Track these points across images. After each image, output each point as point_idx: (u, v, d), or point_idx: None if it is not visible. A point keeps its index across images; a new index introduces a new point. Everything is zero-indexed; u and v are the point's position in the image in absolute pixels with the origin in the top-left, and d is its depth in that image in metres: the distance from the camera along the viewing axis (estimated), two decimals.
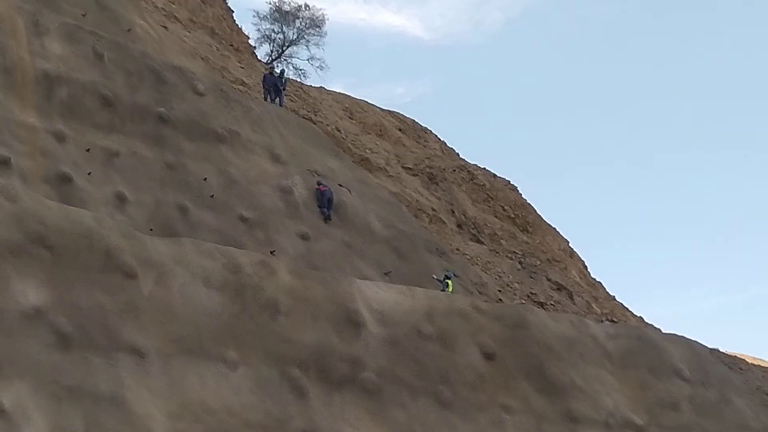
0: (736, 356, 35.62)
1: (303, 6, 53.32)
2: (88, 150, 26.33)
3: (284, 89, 36.72)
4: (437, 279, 30.45)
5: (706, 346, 30.52)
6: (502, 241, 40.33)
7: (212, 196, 28.03)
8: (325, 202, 30.45)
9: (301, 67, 52.45)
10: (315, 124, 37.10)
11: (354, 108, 44.34)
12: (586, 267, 46.19)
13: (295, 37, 52.88)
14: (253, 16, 56.52)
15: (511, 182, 46.36)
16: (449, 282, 30.33)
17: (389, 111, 47.09)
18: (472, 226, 39.78)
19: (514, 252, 39.98)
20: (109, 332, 20.21)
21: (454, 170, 43.30)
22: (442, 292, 28.01)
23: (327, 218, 30.33)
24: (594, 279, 45.52)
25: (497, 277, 36.23)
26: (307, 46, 53.08)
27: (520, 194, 46.02)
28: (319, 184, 30.82)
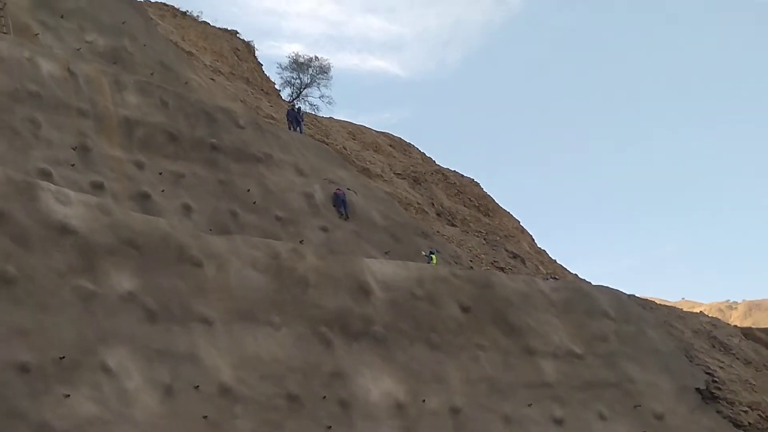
0: (647, 299, 35.60)
1: (314, 58, 53.23)
2: (160, 173, 26.31)
3: (302, 121, 36.63)
4: (425, 254, 30.43)
5: (625, 293, 30.55)
6: (470, 224, 40.28)
7: (254, 203, 28.01)
8: (339, 203, 30.43)
9: (314, 104, 52.26)
10: (327, 145, 37.02)
11: (356, 131, 44.24)
12: (533, 239, 46.12)
13: (309, 81, 52.66)
14: (277, 67, 56.32)
15: (475, 179, 46.27)
16: (433, 256, 30.32)
17: (382, 132, 46.94)
18: (448, 214, 39.73)
19: (480, 231, 39.94)
20: (184, 307, 20.25)
21: (432, 173, 43.21)
22: (428, 264, 28.02)
23: (345, 217, 30.20)
24: (540, 248, 45.45)
25: (468, 250, 36.20)
26: (318, 87, 52.86)
27: (482, 188, 45.92)
28: (337, 189, 30.83)
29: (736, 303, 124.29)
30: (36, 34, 28.38)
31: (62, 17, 29.92)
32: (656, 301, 38.76)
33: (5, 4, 28.03)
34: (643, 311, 30.13)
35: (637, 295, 32.74)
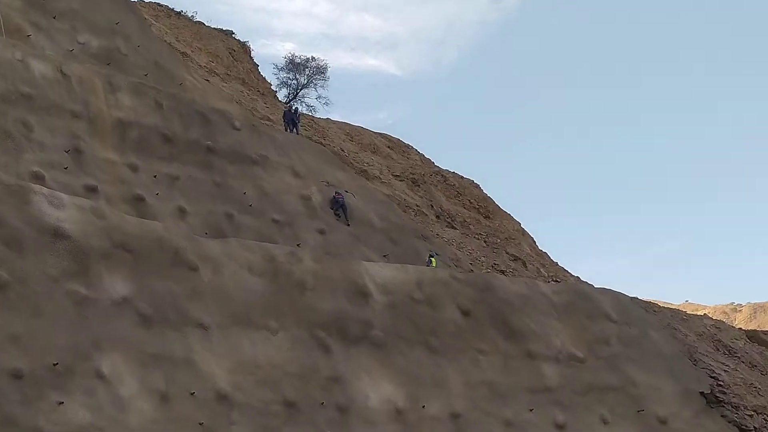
0: (650, 302, 35.61)
1: (310, 58, 53.25)
2: (155, 176, 26.30)
3: (299, 122, 36.61)
4: (427, 260, 30.30)
5: (627, 295, 30.49)
6: (470, 226, 40.25)
7: (250, 206, 28.00)
8: (338, 207, 30.39)
9: (311, 105, 52.31)
10: (324, 146, 37.01)
11: (353, 132, 44.22)
12: (534, 242, 46.05)
13: (305, 82, 52.71)
14: (274, 68, 56.39)
15: (475, 181, 46.24)
16: (433, 259, 30.27)
17: (380, 133, 46.92)
18: (447, 216, 39.71)
19: (480, 234, 39.91)
20: (179, 312, 20.25)
21: (431, 175, 43.18)
22: (428, 267, 27.99)
23: (346, 224, 30.15)
24: (541, 250, 45.38)
25: (468, 253, 36.17)
26: (315, 88, 52.87)
27: (482, 190, 45.87)
28: (336, 193, 30.81)
29: (740, 305, 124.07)
30: (28, 35, 28.38)
31: (54, 18, 29.92)
32: (659, 304, 38.79)
33: None
34: (645, 314, 30.10)
35: (639, 297, 32.73)
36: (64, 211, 19.82)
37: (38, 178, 23.00)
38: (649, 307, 32.28)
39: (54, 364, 17.56)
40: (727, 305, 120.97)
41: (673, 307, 49.17)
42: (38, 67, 25.71)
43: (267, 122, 36.61)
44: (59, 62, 26.65)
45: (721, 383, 28.83)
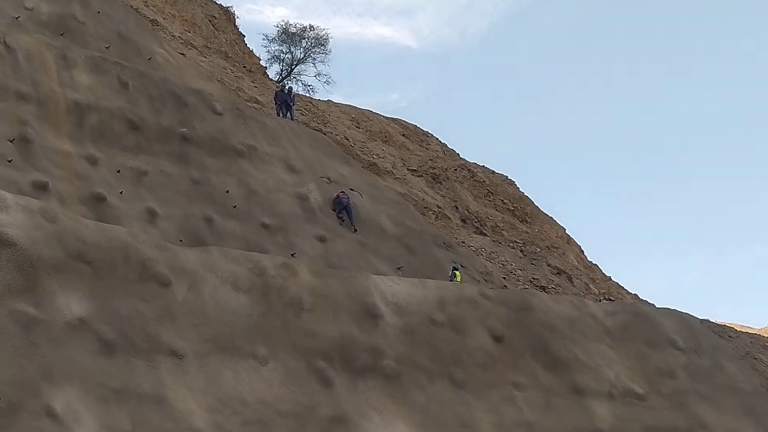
0: (725, 325, 35.55)
1: (308, 27, 53.49)
2: (118, 171, 26.40)
3: (294, 104, 36.76)
4: (449, 275, 30.36)
5: (697, 318, 30.47)
6: (503, 232, 40.32)
7: (235, 207, 28.08)
8: (342, 208, 30.48)
9: (309, 84, 52.55)
10: (325, 134, 37.13)
11: (360, 117, 44.37)
12: (582, 251, 46.14)
13: (302, 56, 52.98)
14: (263, 39, 56.52)
15: (509, 177, 46.37)
16: (457, 273, 30.32)
17: (393, 118, 47.10)
18: (475, 220, 39.78)
19: (515, 241, 39.97)
20: (148, 337, 20.28)
21: (456, 169, 43.30)
22: (452, 282, 28.02)
23: (353, 229, 30.27)
24: (590, 262, 45.48)
25: (501, 265, 36.22)
26: (313, 63, 53.21)
27: (518, 188, 46.02)
28: (340, 192, 30.88)
29: None
30: None
31: None
32: (735, 328, 38.67)
33: None
34: (719, 340, 30.04)
35: (712, 319, 32.67)
36: (7, 213, 19.89)
37: None
38: (723, 331, 32.22)
39: None
40: None
41: (754, 331, 49.00)
42: None
43: (255, 105, 36.73)
44: (2, 33, 26.78)
45: None
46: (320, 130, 37.72)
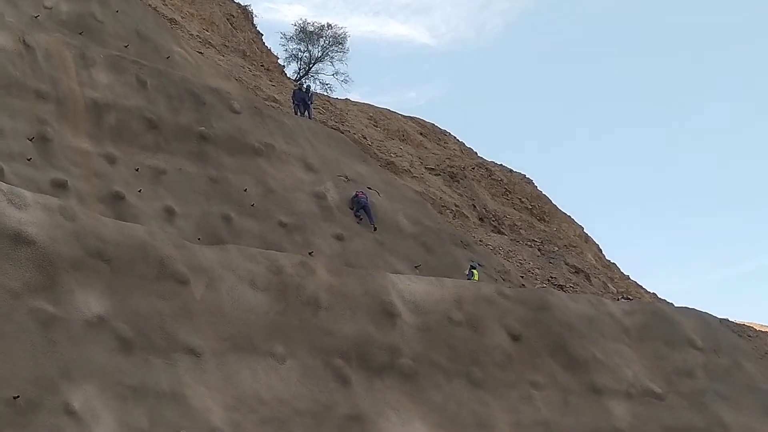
0: (744, 324, 35.30)
1: (326, 25, 53.52)
2: (137, 169, 26.46)
3: (311, 103, 36.76)
4: (466, 273, 30.33)
5: (716, 317, 30.33)
6: (521, 230, 40.23)
7: (253, 205, 28.11)
8: (359, 208, 30.47)
9: (326, 82, 52.58)
10: (342, 133, 37.12)
11: (378, 116, 44.34)
12: (600, 250, 46.01)
13: (320, 54, 52.97)
14: (281, 38, 56.67)
15: (527, 176, 46.25)
16: (475, 271, 30.29)
17: (410, 117, 47.03)
18: (493, 219, 39.70)
19: (533, 240, 39.87)
20: (166, 335, 20.32)
21: (473, 168, 43.22)
22: (469, 281, 27.98)
23: (373, 228, 30.28)
24: (609, 261, 45.33)
25: (519, 264, 36.14)
26: (331, 62, 53.21)
27: (536, 186, 45.91)
28: (358, 191, 30.88)
29: None
30: None
31: None
32: (755, 327, 38.45)
33: None
34: (738, 339, 29.88)
35: (731, 319, 32.49)
36: (26, 212, 19.96)
37: None
38: (743, 331, 32.03)
39: (14, 398, 17.69)
40: None
41: None
42: None
43: (273, 104, 36.74)
44: (21, 31, 26.86)
45: None
46: (338, 129, 37.72)
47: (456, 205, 38.30)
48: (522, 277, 34.62)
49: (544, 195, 45.59)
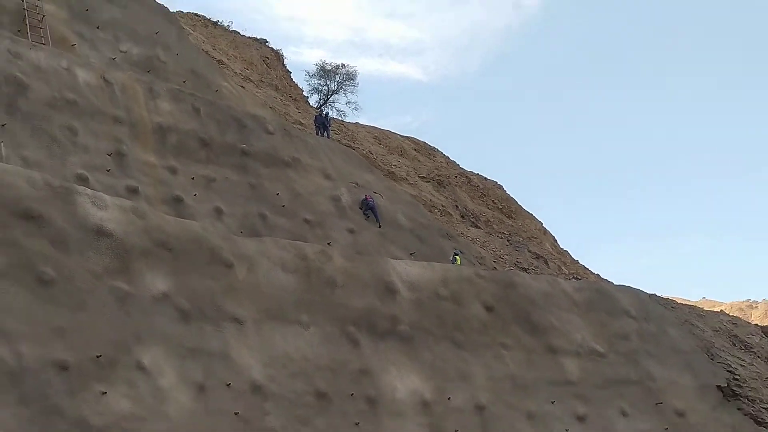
0: (668, 298, 35.28)
1: (340, 65, 53.30)
2: (192, 178, 26.45)
3: (329, 126, 36.69)
4: (451, 258, 30.28)
5: (646, 292, 30.28)
6: (493, 225, 40.14)
7: (283, 206, 28.09)
8: (367, 209, 30.40)
9: (341, 109, 52.35)
10: (353, 149, 37.06)
11: (381, 136, 44.27)
12: (555, 240, 45.89)
13: (335, 88, 52.77)
14: (305, 75, 56.54)
15: (498, 182, 46.14)
16: (457, 257, 30.24)
17: (407, 136, 46.94)
18: (471, 216, 39.62)
19: (503, 233, 39.79)
20: (216, 307, 20.32)
21: (456, 176, 43.13)
22: (453, 265, 27.96)
23: (378, 225, 30.17)
24: (562, 249, 45.22)
25: (492, 251, 36.07)
26: (344, 94, 52.95)
27: (505, 191, 45.77)
28: (366, 195, 30.83)
29: (756, 302, 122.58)
30: (73, 45, 28.67)
31: (98, 28, 30.20)
32: (677, 300, 38.40)
33: (44, 16, 28.34)
34: (664, 310, 29.85)
35: (658, 294, 32.45)
36: (106, 211, 19.97)
37: (82, 180, 23.19)
38: (667, 303, 32.00)
39: (97, 356, 17.70)
40: (743, 302, 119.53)
41: (691, 303, 48.69)
42: (82, 75, 25.95)
43: (299, 126, 36.70)
44: (102, 70, 26.88)
45: (737, 377, 28.54)
46: (350, 146, 37.66)
47: (442, 206, 38.23)
48: (494, 261, 34.56)
49: (512, 197, 45.49)
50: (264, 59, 46.61)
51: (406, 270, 24.45)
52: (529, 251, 39.02)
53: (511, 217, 42.91)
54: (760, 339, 34.78)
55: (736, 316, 40.60)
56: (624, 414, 24.89)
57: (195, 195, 26.00)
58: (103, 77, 26.50)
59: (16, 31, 27.20)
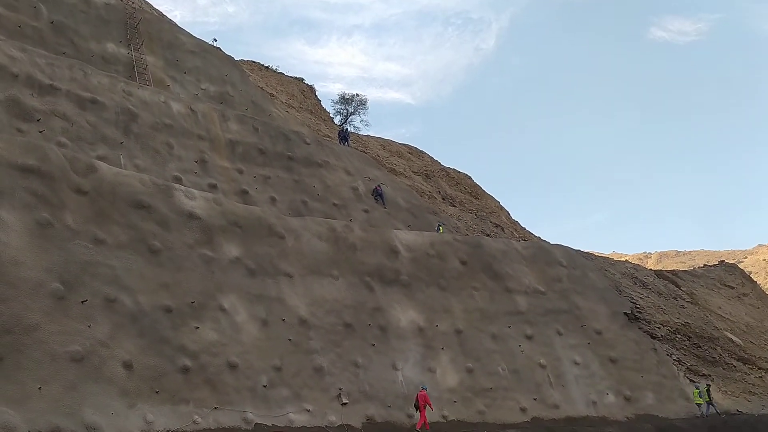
0: (589, 252, 35.19)
1: (355, 94, 53.02)
2: (254, 177, 26.45)
3: (349, 138, 36.58)
4: (436, 227, 30.25)
5: (573, 248, 30.20)
6: (465, 205, 40.04)
7: (318, 195, 28.08)
8: (377, 195, 30.34)
9: (356, 126, 52.10)
10: (366, 153, 36.94)
11: (385, 143, 44.08)
12: (509, 214, 45.72)
13: (352, 111, 52.50)
14: (331, 102, 56.45)
15: (468, 174, 45.95)
16: (440, 228, 30.19)
17: (403, 143, 46.72)
18: (449, 199, 39.52)
19: (472, 210, 39.69)
20: (273, 266, 20.38)
21: (439, 171, 42.97)
22: (437, 233, 27.94)
23: (384, 207, 30.12)
24: (514, 219, 45.07)
25: (465, 223, 36.01)
26: (359, 114, 52.59)
27: (473, 180, 45.57)
28: (377, 185, 30.76)
29: (650, 253, 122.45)
30: (168, 85, 28.59)
31: (185, 73, 30.10)
32: (595, 254, 38.30)
33: (147, 65, 28.28)
34: (586, 260, 29.82)
35: (582, 249, 32.40)
36: (195, 201, 20.03)
37: (178, 180, 23.22)
38: (588, 256, 31.94)
39: (191, 302, 17.81)
40: (641, 253, 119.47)
41: (604, 255, 48.59)
42: (175, 106, 25.91)
43: (327, 139, 36.60)
44: (189, 102, 26.84)
45: (638, 306, 28.52)
46: (363, 151, 37.52)
47: (429, 192, 38.15)
48: (466, 230, 34.53)
49: (478, 184, 45.30)
50: (302, 92, 46.39)
51: (405, 237, 24.46)
52: (491, 222, 38.96)
53: (478, 198, 42.81)
54: (654, 279, 34.74)
55: (636, 264, 40.50)
56: (559, 333, 24.95)
57: (256, 188, 26.03)
58: (190, 107, 26.47)
59: (128, 76, 27.15)
